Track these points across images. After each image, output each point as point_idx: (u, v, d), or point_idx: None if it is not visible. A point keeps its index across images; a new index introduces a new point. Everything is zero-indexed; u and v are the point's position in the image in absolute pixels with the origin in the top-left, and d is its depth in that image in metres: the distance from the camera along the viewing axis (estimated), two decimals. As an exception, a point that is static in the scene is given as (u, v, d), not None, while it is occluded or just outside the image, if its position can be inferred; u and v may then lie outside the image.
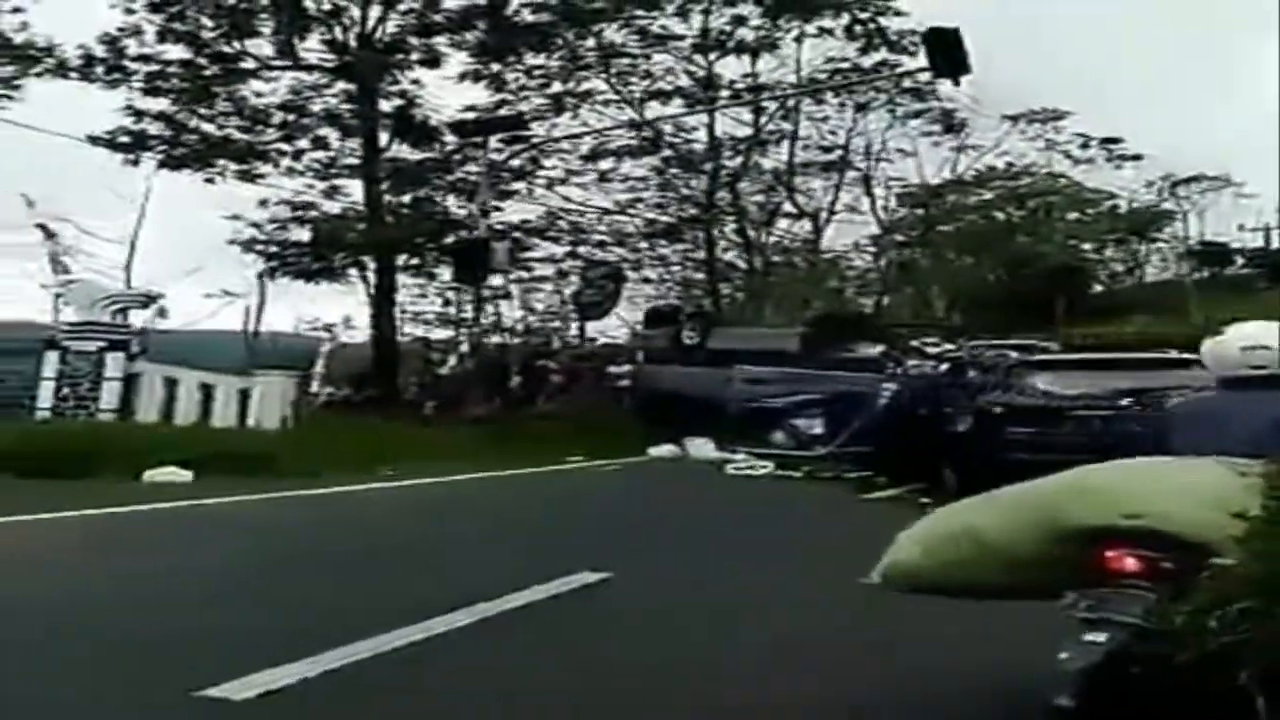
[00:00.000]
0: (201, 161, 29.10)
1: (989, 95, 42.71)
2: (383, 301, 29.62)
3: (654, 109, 40.61)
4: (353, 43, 30.03)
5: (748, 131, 41.83)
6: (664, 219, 42.20)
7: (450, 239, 27.76)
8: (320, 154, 31.07)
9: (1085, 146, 47.29)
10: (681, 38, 36.75)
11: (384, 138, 31.32)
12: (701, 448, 20.82)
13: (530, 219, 39.21)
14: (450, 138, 32.10)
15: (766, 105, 42.12)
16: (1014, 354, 16.35)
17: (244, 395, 23.93)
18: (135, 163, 28.84)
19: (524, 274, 39.59)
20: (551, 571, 8.38)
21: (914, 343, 19.21)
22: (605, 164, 40.96)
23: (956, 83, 21.77)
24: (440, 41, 31.51)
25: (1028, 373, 14.70)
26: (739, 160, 41.26)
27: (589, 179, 40.09)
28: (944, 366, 18.04)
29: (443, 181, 32.65)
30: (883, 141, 43.46)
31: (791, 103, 42.29)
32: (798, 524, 13.43)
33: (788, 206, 44.48)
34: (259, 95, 30.63)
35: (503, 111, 35.40)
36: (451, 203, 33.02)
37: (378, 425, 24.64)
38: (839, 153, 43.84)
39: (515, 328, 34.93)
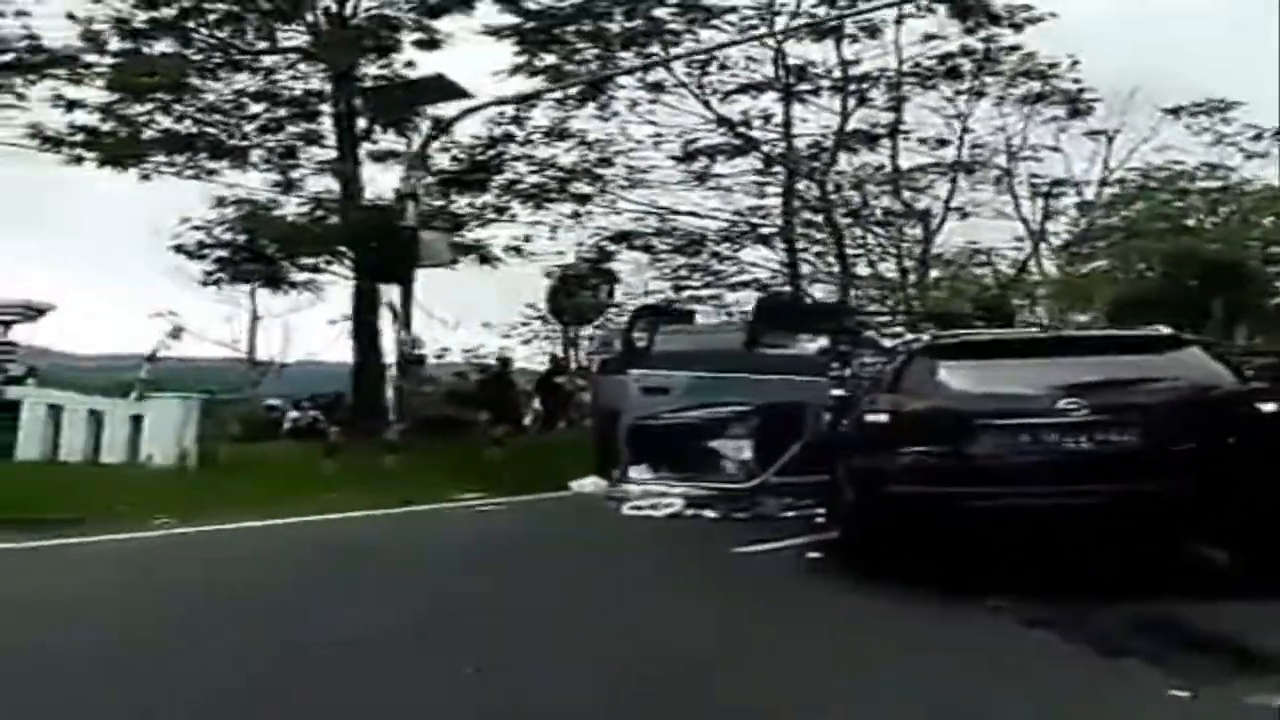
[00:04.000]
0: (136, 157, 25.41)
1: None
2: (362, 310, 25.41)
3: (743, 103, 35.89)
4: (323, 23, 26.02)
5: (852, 126, 36.93)
6: (756, 222, 37.67)
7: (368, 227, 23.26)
8: (294, 144, 27.13)
9: (1258, 138, 40.79)
10: (734, 9, 31.88)
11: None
12: (641, 477, 16.03)
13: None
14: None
15: (870, 96, 37.17)
16: (926, 336, 11.27)
17: (136, 423, 20.08)
18: (78, 161, 25.32)
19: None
20: None
21: (869, 334, 14.05)
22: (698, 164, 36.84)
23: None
24: (445, 23, 27.31)
25: (933, 363, 9.66)
26: (829, 157, 36.27)
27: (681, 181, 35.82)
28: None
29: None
30: (1022, 135, 37.97)
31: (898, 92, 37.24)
32: (569, 612, 8.61)
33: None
34: (229, 85, 26.87)
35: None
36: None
37: (285, 457, 20.77)
38: (956, 146, 38.56)
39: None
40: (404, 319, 20.96)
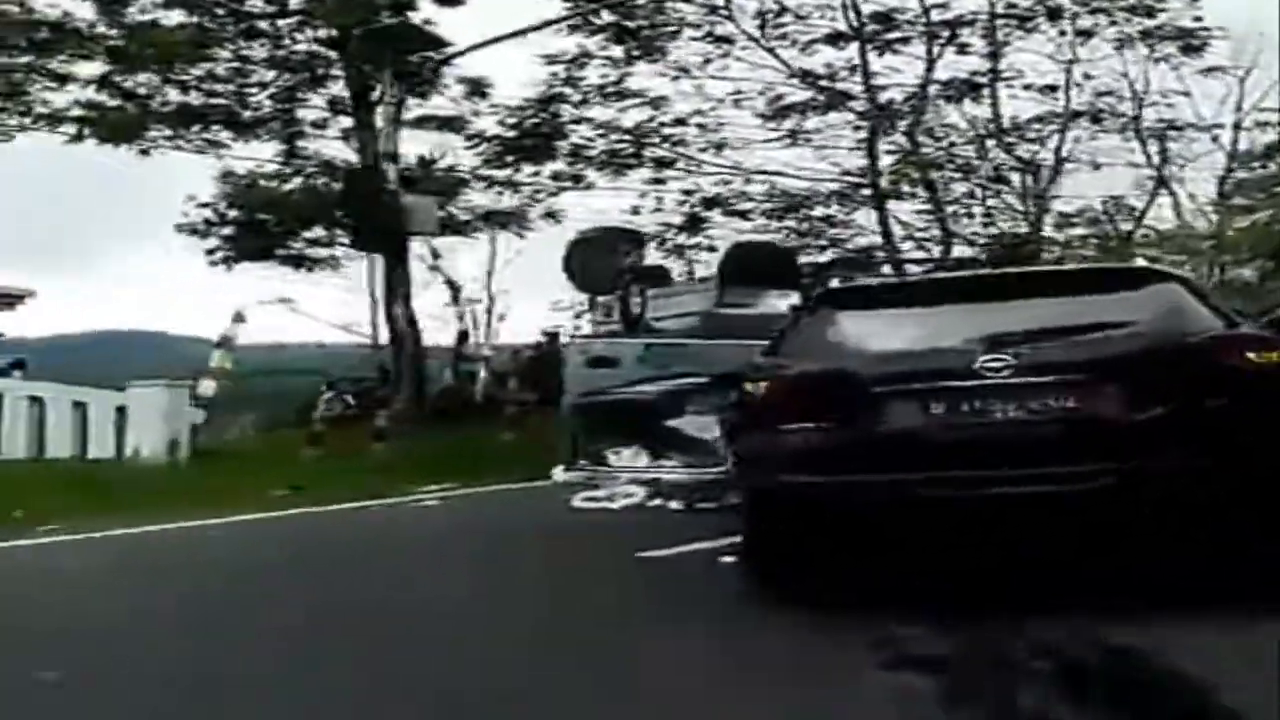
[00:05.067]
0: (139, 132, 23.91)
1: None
2: (395, 285, 23.62)
3: (826, 55, 33.23)
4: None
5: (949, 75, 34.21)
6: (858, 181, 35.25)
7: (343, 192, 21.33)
8: (317, 113, 25.53)
9: None
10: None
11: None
12: (595, 465, 13.84)
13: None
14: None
15: (966, 41, 34.43)
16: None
17: (122, 415, 18.75)
18: (79, 138, 23.91)
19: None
20: None
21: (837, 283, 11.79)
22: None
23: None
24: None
25: (831, 315, 7.59)
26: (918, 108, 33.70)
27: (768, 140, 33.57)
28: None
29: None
30: (1144, 78, 34.73)
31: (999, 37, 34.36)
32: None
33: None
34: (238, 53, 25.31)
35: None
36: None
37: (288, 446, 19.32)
38: (1064, 92, 35.53)
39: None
40: (403, 292, 19.10)
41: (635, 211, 32.43)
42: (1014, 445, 6.64)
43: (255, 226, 23.02)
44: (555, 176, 32.06)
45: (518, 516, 12.77)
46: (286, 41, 24.75)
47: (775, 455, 7.13)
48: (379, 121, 21.68)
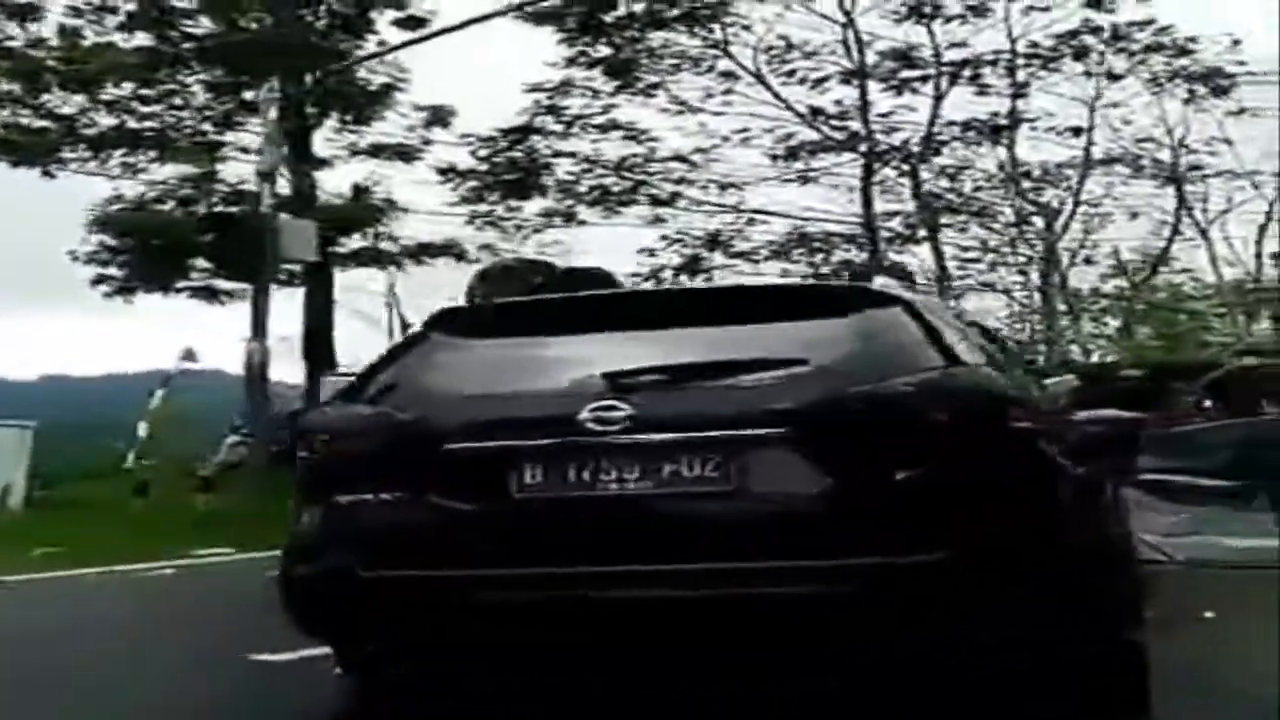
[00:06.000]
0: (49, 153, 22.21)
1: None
2: (317, 313, 21.58)
3: (838, 93, 31.61)
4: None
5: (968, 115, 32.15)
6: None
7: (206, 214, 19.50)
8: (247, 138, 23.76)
9: None
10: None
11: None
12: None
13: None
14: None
15: (987, 82, 32.48)
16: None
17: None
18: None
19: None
20: None
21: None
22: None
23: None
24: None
25: (437, 344, 5.48)
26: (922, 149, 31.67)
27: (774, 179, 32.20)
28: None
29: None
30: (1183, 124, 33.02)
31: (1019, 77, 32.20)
32: None
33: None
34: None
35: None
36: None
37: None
38: (1087, 136, 33.34)
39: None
40: (257, 329, 17.16)
41: (651, 253, 31.40)
42: (633, 530, 4.60)
43: (148, 254, 20.96)
44: (546, 214, 30.48)
45: (245, 590, 10.61)
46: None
47: (326, 535, 5.06)
48: (258, 141, 19.90)
